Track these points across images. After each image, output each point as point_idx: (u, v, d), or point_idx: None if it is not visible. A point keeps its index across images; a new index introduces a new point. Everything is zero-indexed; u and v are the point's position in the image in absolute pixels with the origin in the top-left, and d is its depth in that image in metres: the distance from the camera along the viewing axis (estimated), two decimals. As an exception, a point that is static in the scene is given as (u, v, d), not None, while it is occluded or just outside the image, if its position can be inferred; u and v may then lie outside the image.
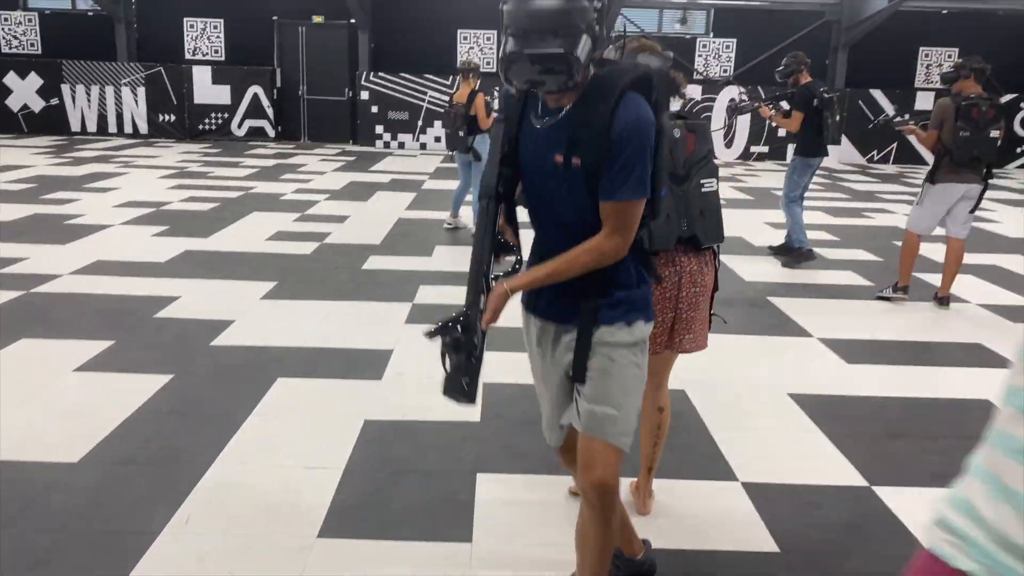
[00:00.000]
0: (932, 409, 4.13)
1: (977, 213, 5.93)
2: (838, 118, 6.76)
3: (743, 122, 16.75)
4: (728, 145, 16.96)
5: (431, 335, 2.00)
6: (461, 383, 1.94)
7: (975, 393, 4.33)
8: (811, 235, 8.50)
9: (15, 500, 2.96)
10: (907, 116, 6.84)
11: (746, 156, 16.96)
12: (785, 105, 7.28)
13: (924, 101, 16.52)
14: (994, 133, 5.68)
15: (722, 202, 2.94)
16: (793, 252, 7.18)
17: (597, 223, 1.98)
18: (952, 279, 5.95)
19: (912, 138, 6.34)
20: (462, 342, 1.94)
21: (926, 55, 18.40)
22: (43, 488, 3.05)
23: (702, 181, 2.73)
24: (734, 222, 9.27)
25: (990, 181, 5.80)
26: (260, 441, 3.49)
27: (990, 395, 4.30)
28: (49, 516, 2.87)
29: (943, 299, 5.96)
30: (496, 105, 7.22)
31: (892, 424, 3.92)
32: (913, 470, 3.45)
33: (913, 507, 3.13)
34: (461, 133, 7.62)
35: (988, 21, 18.07)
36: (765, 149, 16.85)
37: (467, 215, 8.40)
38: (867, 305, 5.96)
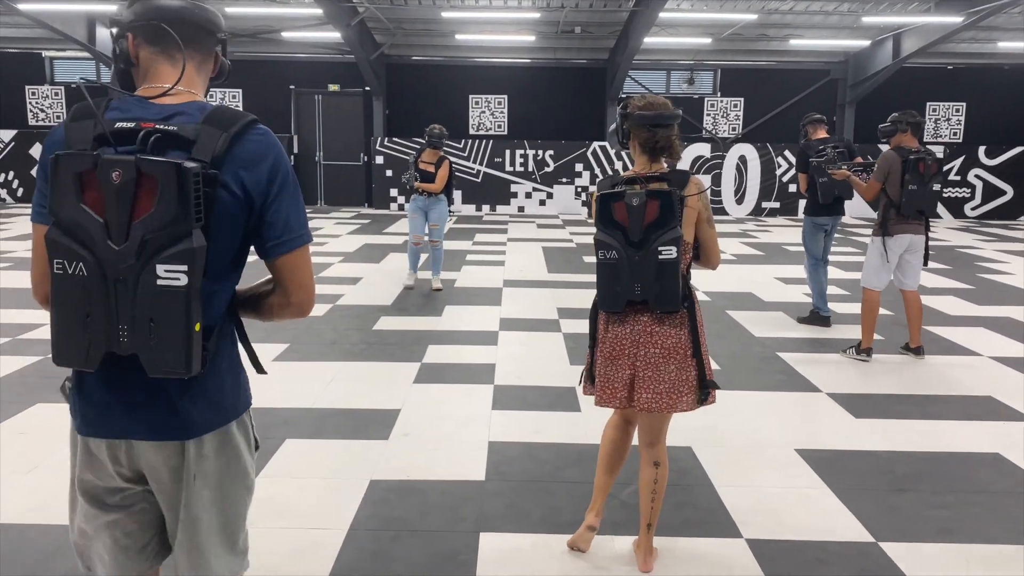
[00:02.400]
0: (941, 463, 4.10)
1: (928, 263, 6.06)
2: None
3: (754, 178, 16.91)
4: (739, 201, 17.09)
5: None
6: (65, 384, 1.87)
7: (985, 447, 4.29)
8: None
9: (21, 564, 3.00)
10: (836, 160, 6.70)
11: (758, 212, 17.07)
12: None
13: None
14: (936, 186, 5.80)
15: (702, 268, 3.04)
16: (812, 315, 7.15)
17: None
18: (919, 329, 5.99)
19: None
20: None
21: (933, 110, 18.59)
22: (53, 551, 3.09)
23: (660, 248, 2.74)
24: (744, 278, 9.33)
25: (930, 232, 5.96)
26: (266, 503, 3.52)
27: (1000, 448, 4.27)
28: (56, 580, 2.90)
29: (917, 349, 5.97)
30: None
31: (899, 479, 3.89)
32: (920, 525, 3.42)
33: (920, 562, 3.10)
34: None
35: (994, 76, 18.28)
36: (776, 205, 16.97)
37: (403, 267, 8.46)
38: (876, 359, 5.95)
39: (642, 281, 2.80)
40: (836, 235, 7.68)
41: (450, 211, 8.75)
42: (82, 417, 1.75)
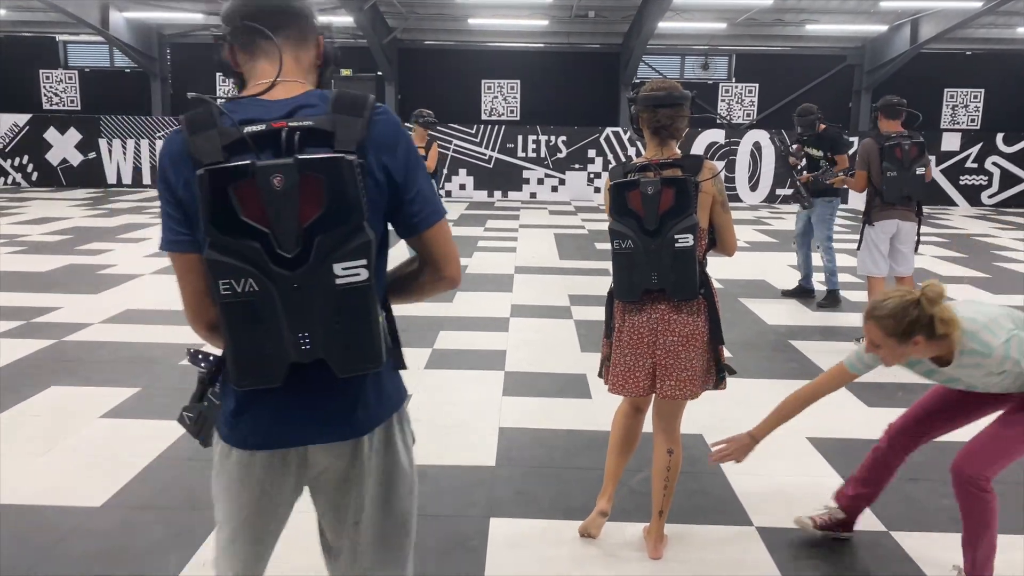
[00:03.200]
0: (953, 452, 4.06)
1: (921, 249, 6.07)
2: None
3: (767, 165, 16.81)
4: (753, 188, 17.00)
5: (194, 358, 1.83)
6: (184, 416, 1.80)
7: (999, 436, 4.26)
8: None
9: (38, 545, 3.03)
10: (824, 165, 7.10)
11: (772, 199, 16.97)
12: (814, 151, 7.39)
13: (950, 142, 16.47)
14: (920, 170, 5.72)
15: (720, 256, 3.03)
16: (832, 295, 7.29)
17: None
18: None
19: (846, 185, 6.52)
20: (202, 380, 1.77)
21: (951, 96, 18.41)
22: (66, 533, 3.11)
23: (676, 236, 2.71)
24: (757, 265, 9.28)
25: (922, 218, 5.91)
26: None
27: (1014, 438, 4.24)
28: (70, 560, 2.93)
29: None
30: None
31: (912, 467, 3.85)
32: (932, 514, 3.40)
33: (932, 552, 3.09)
34: None
35: (1013, 62, 18.07)
36: (790, 192, 16.87)
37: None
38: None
39: (659, 269, 2.79)
40: (850, 223, 7.75)
41: (440, 191, 9.04)
42: (250, 432, 1.66)
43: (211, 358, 1.76)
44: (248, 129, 1.51)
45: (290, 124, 1.51)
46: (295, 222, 1.47)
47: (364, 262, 1.50)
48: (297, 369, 1.56)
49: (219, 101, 1.57)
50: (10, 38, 18.34)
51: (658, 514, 3.04)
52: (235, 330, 1.52)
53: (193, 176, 1.50)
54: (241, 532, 1.74)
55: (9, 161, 16.92)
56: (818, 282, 7.62)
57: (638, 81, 18.32)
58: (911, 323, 2.55)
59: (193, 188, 1.52)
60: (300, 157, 1.46)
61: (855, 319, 6.79)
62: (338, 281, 1.50)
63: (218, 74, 18.39)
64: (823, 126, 7.33)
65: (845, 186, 6.65)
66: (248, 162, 1.46)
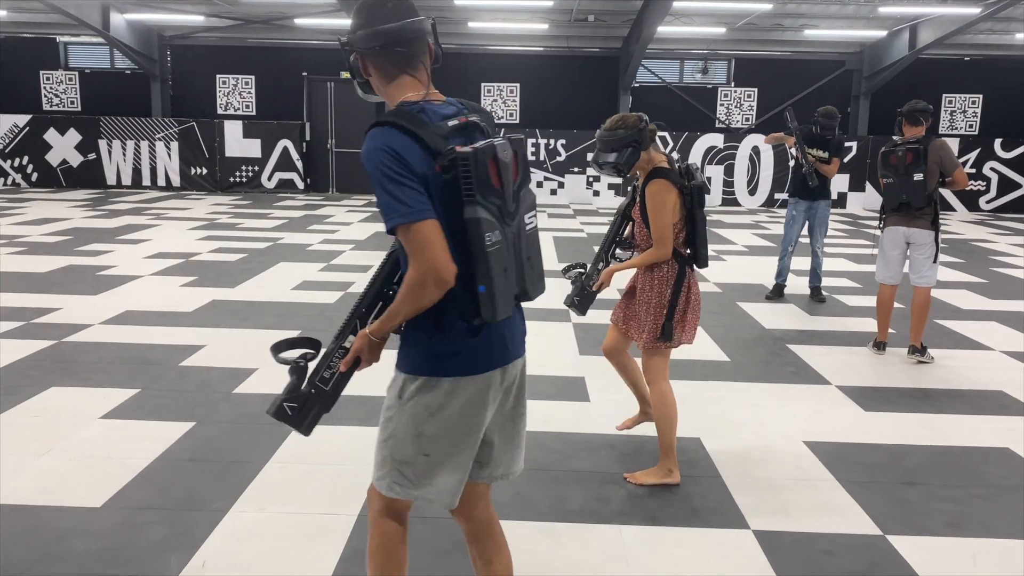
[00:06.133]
0: (950, 457, 4.10)
1: (938, 261, 5.75)
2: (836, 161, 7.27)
3: (767, 169, 16.83)
4: (752, 192, 17.02)
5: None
6: (284, 407, 2.09)
7: (994, 441, 4.29)
8: (833, 282, 8.53)
9: (38, 544, 3.04)
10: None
11: (770, 203, 17.00)
12: (821, 153, 7.47)
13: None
14: (917, 176, 5.55)
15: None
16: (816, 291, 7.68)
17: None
18: (919, 328, 5.72)
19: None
20: (300, 367, 2.14)
21: (949, 101, 18.43)
22: (65, 533, 3.13)
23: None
24: (755, 269, 9.30)
25: (940, 227, 5.72)
26: (277, 488, 3.55)
27: (1010, 443, 4.26)
28: (70, 560, 2.94)
29: (911, 348, 5.73)
30: None
31: (908, 472, 3.89)
32: (928, 518, 3.42)
33: (927, 556, 3.10)
34: None
35: (1011, 68, 18.10)
36: (788, 196, 16.88)
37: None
38: (890, 352, 5.93)
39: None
40: (847, 227, 7.88)
41: None
42: (486, 356, 2.08)
43: (309, 354, 2.18)
44: (451, 123, 1.99)
45: (470, 119, 2.04)
46: (513, 185, 2.01)
47: (534, 212, 2.13)
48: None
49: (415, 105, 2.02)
50: (11, 39, 18.35)
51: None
52: (498, 274, 1.96)
53: (431, 160, 1.91)
54: (467, 447, 2.13)
55: (9, 162, 16.91)
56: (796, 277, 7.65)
57: (636, 85, 18.35)
58: None
59: (432, 169, 1.91)
60: (510, 136, 2.04)
61: (852, 323, 6.82)
62: (527, 227, 2.09)
63: (217, 75, 18.42)
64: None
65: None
66: (493, 142, 1.97)
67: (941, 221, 5.73)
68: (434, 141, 1.92)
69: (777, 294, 7.78)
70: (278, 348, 2.16)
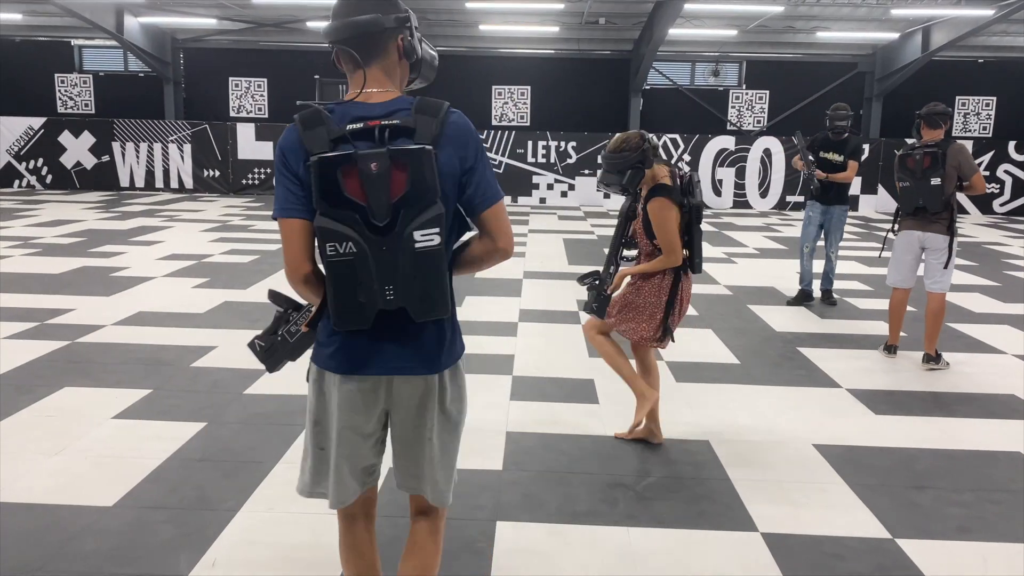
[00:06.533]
0: (961, 461, 4.08)
1: (952, 266, 5.62)
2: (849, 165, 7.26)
3: (778, 171, 16.79)
4: (763, 195, 16.98)
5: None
6: (255, 343, 2.23)
7: (1006, 445, 4.26)
8: (844, 284, 8.51)
9: (50, 543, 3.07)
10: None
11: (781, 205, 16.95)
12: (836, 156, 7.39)
13: (961, 150, 16.39)
14: (935, 181, 5.44)
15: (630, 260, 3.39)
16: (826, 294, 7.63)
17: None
18: (933, 335, 5.59)
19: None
20: (279, 316, 2.23)
21: (963, 104, 18.35)
22: (78, 532, 3.15)
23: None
24: (766, 272, 9.28)
25: (955, 232, 5.60)
26: (287, 488, 3.57)
27: (1022, 447, 4.24)
28: (82, 559, 2.97)
29: (925, 356, 5.63)
30: None
31: (918, 476, 3.88)
32: (938, 522, 3.40)
33: (937, 560, 3.09)
34: None
35: (1024, 69, 17.99)
36: (800, 199, 16.84)
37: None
38: (901, 355, 5.91)
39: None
40: (859, 230, 7.83)
41: None
42: (346, 360, 2.07)
43: (286, 300, 2.21)
44: (350, 127, 1.92)
45: (382, 122, 1.93)
46: (387, 198, 1.88)
47: (438, 230, 1.91)
48: (384, 315, 1.97)
49: (330, 104, 2.00)
50: (26, 42, 18.52)
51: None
52: (336, 283, 1.93)
53: (307, 161, 1.90)
54: (338, 448, 2.15)
55: (24, 164, 17.06)
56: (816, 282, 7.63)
57: (647, 88, 18.33)
58: None
59: (309, 170, 1.90)
60: (390, 147, 1.88)
61: (864, 326, 6.79)
62: (417, 245, 1.91)
63: (230, 78, 18.53)
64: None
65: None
66: (350, 152, 1.87)
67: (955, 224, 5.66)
68: (312, 143, 1.91)
69: (801, 299, 7.61)
70: (275, 296, 2.25)
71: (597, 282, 3.96)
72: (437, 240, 1.91)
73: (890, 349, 5.88)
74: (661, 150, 3.78)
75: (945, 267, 5.60)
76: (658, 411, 4.16)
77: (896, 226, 5.86)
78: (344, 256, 1.90)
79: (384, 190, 1.87)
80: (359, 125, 1.92)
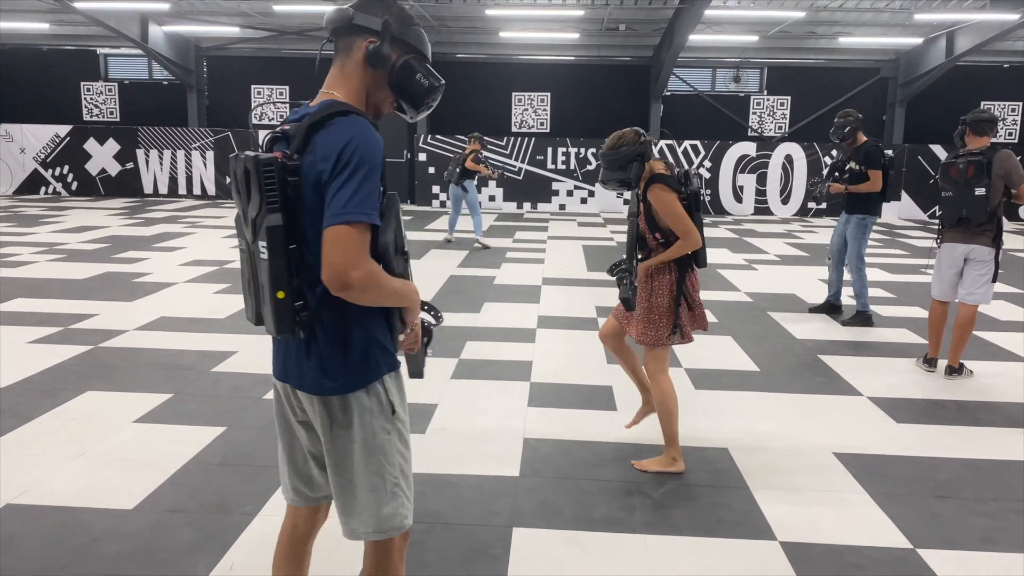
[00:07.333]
0: (984, 471, 4.02)
1: (996, 281, 5.45)
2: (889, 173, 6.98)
3: (799, 178, 16.67)
4: (785, 201, 16.86)
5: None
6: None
7: (1031, 455, 4.20)
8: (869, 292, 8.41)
9: (72, 545, 3.10)
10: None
11: (803, 212, 16.83)
12: (854, 166, 7.19)
13: (986, 155, 16.19)
14: (979, 191, 5.26)
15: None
16: (862, 316, 7.09)
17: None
18: (959, 347, 5.48)
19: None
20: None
21: (988, 109, 18.13)
22: (99, 534, 3.19)
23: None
24: (788, 279, 9.21)
25: (1001, 244, 5.41)
26: (304, 492, 3.58)
27: (1047, 457, 4.17)
28: (103, 561, 3.00)
29: (948, 368, 5.53)
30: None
31: (941, 485, 3.83)
32: (961, 533, 3.36)
33: (959, 571, 3.05)
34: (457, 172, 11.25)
35: (1051, 74, 17.76)
36: (823, 206, 16.71)
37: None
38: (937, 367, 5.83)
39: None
40: (883, 237, 7.66)
41: (464, 188, 11.38)
42: (273, 364, 2.10)
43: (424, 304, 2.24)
44: (279, 129, 1.94)
45: (279, 128, 1.93)
46: (246, 204, 1.89)
47: (266, 243, 1.84)
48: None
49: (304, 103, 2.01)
50: (53, 51, 18.80)
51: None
52: (242, 278, 2.03)
53: None
54: (284, 445, 2.18)
55: (50, 171, 17.32)
56: (848, 296, 7.55)
57: (668, 94, 18.29)
58: None
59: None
60: (247, 154, 1.84)
61: (886, 335, 6.72)
62: (261, 256, 1.87)
63: (252, 86, 18.69)
64: (863, 138, 7.17)
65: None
66: (233, 155, 1.91)
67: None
68: (260, 144, 2.00)
69: (825, 309, 7.47)
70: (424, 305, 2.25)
71: (627, 271, 3.83)
72: (266, 254, 1.85)
73: (930, 362, 5.72)
74: (681, 156, 3.73)
75: (993, 280, 5.40)
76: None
77: (940, 237, 5.66)
78: (241, 252, 2.00)
79: (244, 197, 1.90)
80: (277, 130, 1.96)
